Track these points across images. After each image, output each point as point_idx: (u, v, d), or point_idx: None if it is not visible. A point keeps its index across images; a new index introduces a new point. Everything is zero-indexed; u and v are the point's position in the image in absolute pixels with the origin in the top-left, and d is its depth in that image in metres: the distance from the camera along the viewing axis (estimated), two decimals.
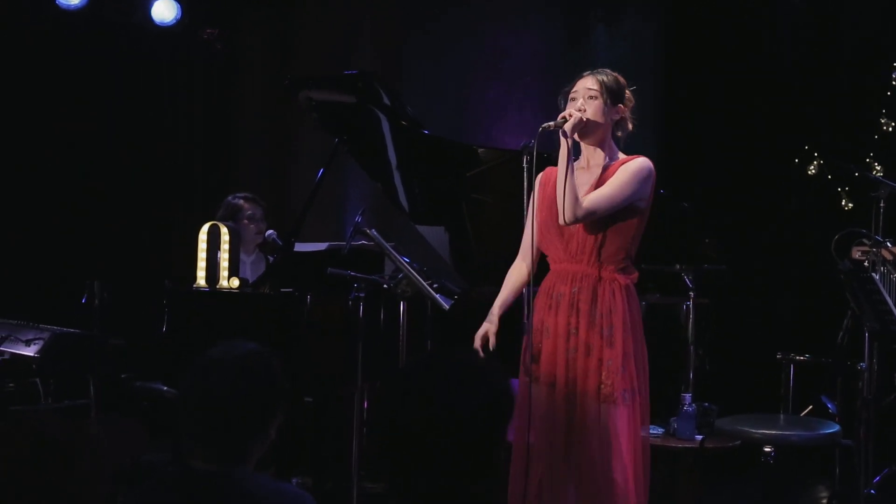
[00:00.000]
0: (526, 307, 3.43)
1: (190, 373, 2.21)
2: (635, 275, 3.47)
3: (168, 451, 4.52)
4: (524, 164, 3.33)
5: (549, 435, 3.36)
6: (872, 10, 6.14)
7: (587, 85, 3.43)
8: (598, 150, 3.47)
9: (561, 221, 3.37)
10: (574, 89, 3.45)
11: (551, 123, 3.38)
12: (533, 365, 3.40)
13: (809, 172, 6.13)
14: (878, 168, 5.85)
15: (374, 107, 4.70)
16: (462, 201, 4.89)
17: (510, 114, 6.58)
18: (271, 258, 5.22)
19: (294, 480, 4.78)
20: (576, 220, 3.35)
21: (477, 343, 3.49)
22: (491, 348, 3.48)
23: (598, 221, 3.37)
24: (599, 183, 3.41)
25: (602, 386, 3.31)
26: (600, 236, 3.38)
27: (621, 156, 3.47)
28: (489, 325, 3.52)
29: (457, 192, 4.88)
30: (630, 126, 3.51)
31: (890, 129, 5.90)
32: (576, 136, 3.41)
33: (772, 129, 6.29)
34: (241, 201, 5.24)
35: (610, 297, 3.36)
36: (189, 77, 7.03)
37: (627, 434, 3.32)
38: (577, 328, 3.37)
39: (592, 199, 3.35)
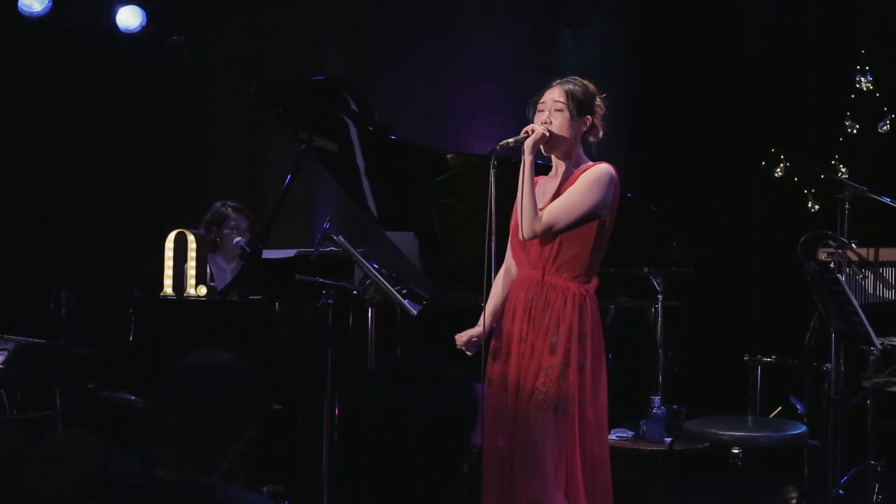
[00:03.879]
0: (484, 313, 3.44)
1: (165, 380, 2.19)
2: (593, 283, 3.43)
3: (137, 462, 4.49)
4: (491, 169, 3.33)
5: (508, 438, 3.35)
6: (837, 14, 6.19)
7: (554, 97, 3.41)
8: (565, 160, 3.46)
9: (520, 237, 3.37)
10: (542, 100, 3.44)
11: (510, 140, 3.37)
12: (491, 368, 3.42)
13: (776, 175, 6.17)
14: (844, 170, 5.90)
15: (341, 112, 4.69)
16: (431, 206, 4.89)
17: (478, 118, 6.58)
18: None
19: (265, 488, 4.75)
20: (534, 235, 3.35)
21: (459, 341, 3.48)
22: (469, 353, 3.47)
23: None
24: (561, 191, 3.41)
25: (535, 392, 3.30)
26: (557, 243, 3.37)
27: (586, 163, 3.46)
28: (476, 329, 3.50)
29: (426, 197, 4.88)
30: (601, 133, 3.50)
31: (854, 131, 5.95)
32: (542, 149, 3.41)
33: (738, 131, 6.33)
34: (230, 210, 5.26)
35: (561, 304, 3.35)
36: (156, 84, 7.00)
37: (553, 444, 3.28)
38: (527, 334, 3.38)
39: (550, 212, 3.35)
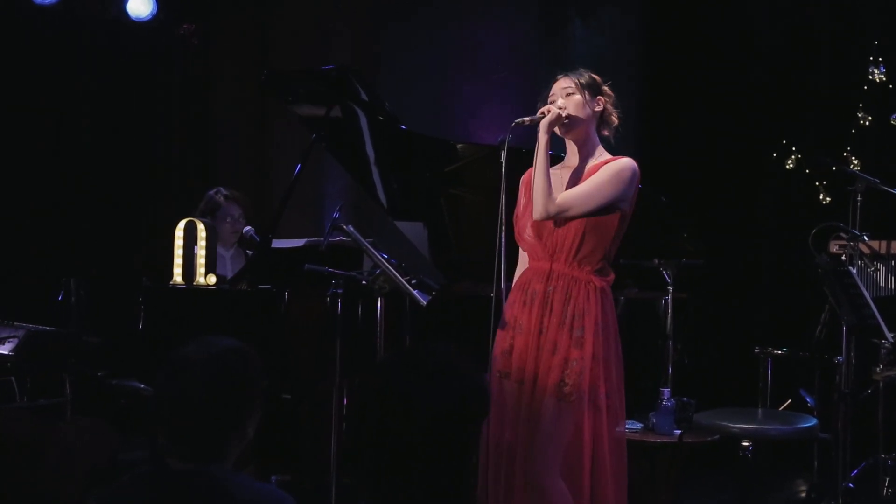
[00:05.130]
0: (501, 301, 3.42)
1: (165, 370, 2.18)
2: (611, 276, 3.44)
3: (145, 450, 4.48)
4: (501, 159, 3.32)
5: (516, 431, 3.34)
6: (850, 4, 6.16)
7: (562, 85, 3.42)
8: (583, 148, 3.45)
9: (534, 217, 3.36)
10: (551, 92, 3.44)
11: (526, 119, 3.36)
12: (505, 360, 3.40)
13: (787, 166, 6.15)
14: (856, 162, 5.88)
15: (351, 102, 4.68)
16: (440, 196, 4.87)
17: (487, 108, 6.57)
18: (250, 253, 5.20)
19: (273, 478, 4.75)
20: (548, 216, 3.33)
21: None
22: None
23: (576, 221, 3.34)
24: (579, 182, 3.39)
25: (562, 384, 3.29)
26: (578, 236, 3.35)
27: (606, 155, 3.45)
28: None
29: (435, 187, 4.87)
30: (615, 120, 3.49)
31: (867, 123, 5.93)
32: (557, 131, 3.39)
33: (750, 123, 6.31)
34: (222, 198, 5.21)
35: (584, 298, 3.34)
36: (165, 73, 6.99)
37: (568, 434, 3.29)
38: (547, 327, 3.36)
39: (566, 195, 3.34)
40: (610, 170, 3.37)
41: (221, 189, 5.28)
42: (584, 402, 3.29)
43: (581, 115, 3.39)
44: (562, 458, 3.30)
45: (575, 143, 3.45)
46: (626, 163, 3.39)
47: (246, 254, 5.23)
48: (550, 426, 3.29)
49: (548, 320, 3.36)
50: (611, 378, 3.35)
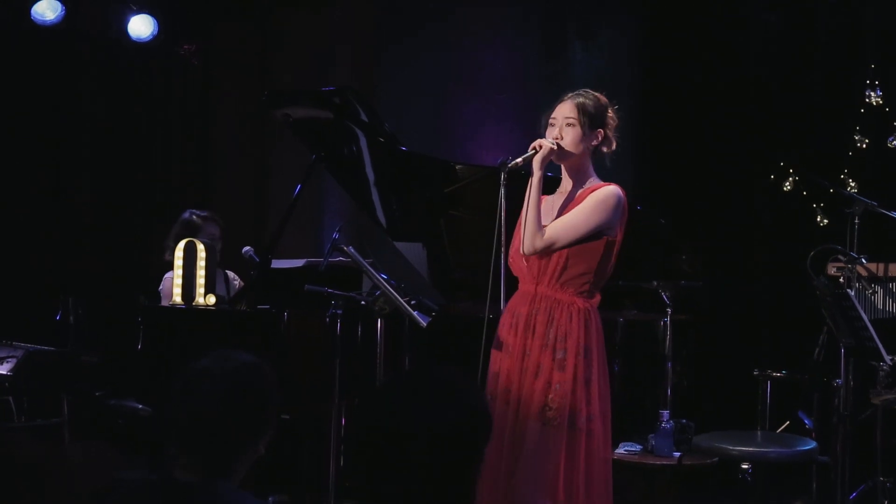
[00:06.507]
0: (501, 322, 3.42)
1: (181, 380, 2.18)
2: (597, 298, 3.44)
3: (145, 470, 4.46)
4: (501, 181, 3.33)
5: (497, 454, 3.32)
6: (846, 27, 6.19)
7: (565, 112, 3.42)
8: (575, 175, 3.46)
9: (521, 251, 3.38)
10: (553, 115, 3.45)
11: (519, 160, 3.37)
12: (493, 383, 3.40)
13: (785, 189, 6.16)
14: (853, 184, 5.89)
15: (351, 123, 4.69)
16: (440, 217, 4.88)
17: (486, 128, 6.59)
18: (230, 274, 5.21)
19: (271, 499, 4.74)
20: (535, 251, 3.36)
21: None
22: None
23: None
24: (566, 210, 3.42)
25: (546, 408, 3.29)
26: (562, 260, 3.37)
27: (594, 182, 3.46)
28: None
29: (434, 208, 4.87)
30: (614, 144, 3.50)
31: (864, 145, 5.95)
32: (553, 159, 3.41)
33: (747, 144, 6.33)
34: (199, 220, 5.17)
35: (566, 320, 3.35)
36: (166, 92, 7.00)
37: (557, 458, 3.28)
38: (530, 349, 3.37)
39: (552, 229, 3.36)
40: (594, 199, 3.38)
41: (195, 211, 5.25)
42: (565, 425, 3.28)
43: (575, 150, 3.41)
44: (549, 481, 3.28)
45: (568, 170, 3.48)
46: (610, 191, 3.40)
47: (225, 275, 5.22)
48: (535, 450, 3.28)
49: (531, 343, 3.37)
50: (593, 401, 3.34)
